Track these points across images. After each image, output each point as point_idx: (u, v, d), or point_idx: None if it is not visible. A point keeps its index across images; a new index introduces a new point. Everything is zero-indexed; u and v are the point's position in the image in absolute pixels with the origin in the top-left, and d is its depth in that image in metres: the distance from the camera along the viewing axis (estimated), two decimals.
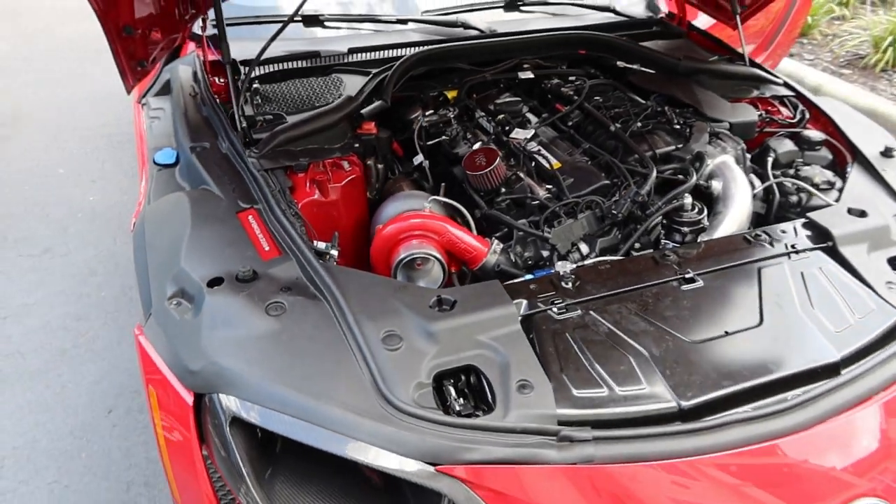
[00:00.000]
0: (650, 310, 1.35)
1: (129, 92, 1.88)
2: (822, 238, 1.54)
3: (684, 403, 1.17)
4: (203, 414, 1.23)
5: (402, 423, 1.10)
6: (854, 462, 1.19)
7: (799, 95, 2.02)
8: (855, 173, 1.76)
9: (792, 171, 1.79)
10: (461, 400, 1.20)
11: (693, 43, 2.38)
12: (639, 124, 1.81)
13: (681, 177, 1.68)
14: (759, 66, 2.14)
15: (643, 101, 1.98)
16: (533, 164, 1.73)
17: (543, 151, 1.75)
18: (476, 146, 1.76)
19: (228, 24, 2.13)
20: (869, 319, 1.37)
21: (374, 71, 1.94)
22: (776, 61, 3.92)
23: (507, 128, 1.88)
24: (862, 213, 1.59)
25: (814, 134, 1.88)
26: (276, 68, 2.01)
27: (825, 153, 1.87)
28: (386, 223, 1.53)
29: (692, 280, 1.41)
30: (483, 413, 1.16)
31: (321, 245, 1.44)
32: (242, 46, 1.97)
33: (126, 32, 1.64)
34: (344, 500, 1.19)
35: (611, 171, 1.69)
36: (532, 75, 2.08)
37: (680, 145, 1.76)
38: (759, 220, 1.80)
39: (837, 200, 1.66)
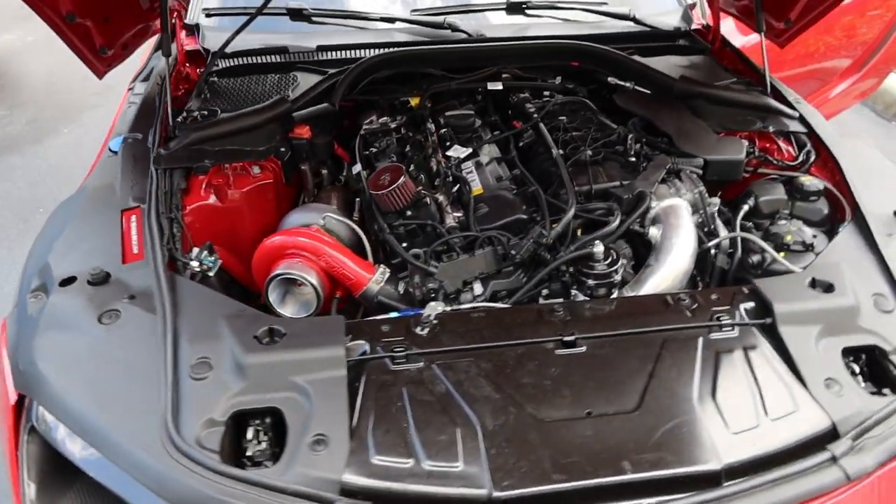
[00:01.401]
0: (506, 373, 1.16)
1: (99, 77, 1.90)
2: (761, 312, 1.27)
3: (496, 494, 1.00)
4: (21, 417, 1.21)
5: (171, 463, 1.01)
6: None
7: (812, 133, 1.69)
8: (845, 235, 1.44)
9: (766, 224, 1.50)
10: (260, 444, 1.09)
11: (715, 61, 2.07)
12: (589, 152, 1.58)
13: (617, 220, 1.44)
14: (779, 93, 1.82)
15: (613, 126, 1.73)
16: (455, 188, 1.56)
17: (473, 174, 1.58)
18: (386, 162, 1.60)
19: (214, 14, 2.13)
20: (784, 423, 1.11)
21: (330, 71, 1.84)
22: (879, 80, 3.41)
23: (447, 143, 1.71)
24: (828, 288, 1.30)
25: (811, 182, 1.56)
26: (245, 61, 1.97)
27: (821, 205, 1.55)
28: (272, 235, 1.44)
29: (572, 344, 1.20)
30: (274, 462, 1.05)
31: (193, 253, 1.38)
32: (243, 39, 1.94)
33: (69, 20, 1.65)
34: None
35: (533, 203, 1.49)
36: (500, 86, 1.89)
37: (625, 182, 1.52)
38: (722, 277, 1.53)
39: (806, 267, 1.37)
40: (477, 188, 1.54)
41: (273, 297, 1.40)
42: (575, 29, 2.11)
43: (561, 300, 1.36)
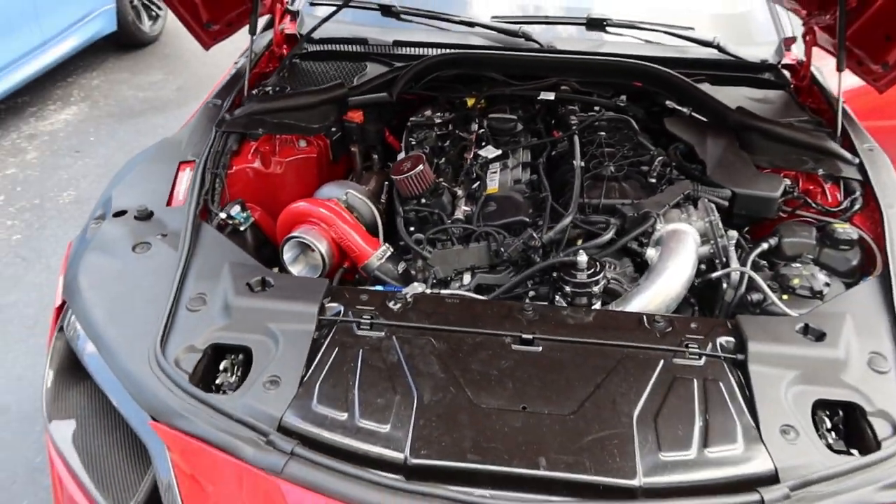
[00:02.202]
0: (458, 357, 1.22)
1: (206, 48, 2.16)
2: (738, 348, 1.24)
3: (412, 460, 1.07)
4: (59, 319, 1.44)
5: (152, 369, 1.18)
6: None
7: (866, 182, 1.58)
8: (864, 288, 1.36)
9: (781, 265, 1.43)
10: (229, 376, 1.24)
11: (793, 97, 1.98)
12: (612, 168, 1.58)
13: (611, 234, 1.44)
14: (848, 138, 1.72)
15: (651, 147, 1.71)
16: (476, 184, 1.63)
17: (495, 174, 1.64)
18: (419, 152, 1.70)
19: (316, 3, 2.33)
20: (721, 458, 1.09)
21: (397, 65, 1.97)
22: None
23: (483, 143, 1.78)
24: (820, 337, 1.24)
25: (844, 230, 1.47)
26: (329, 48, 2.15)
27: (851, 255, 1.46)
28: (298, 201, 1.59)
29: (529, 342, 1.24)
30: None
31: (230, 207, 1.56)
32: (335, 28, 2.15)
33: None
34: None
35: (541, 208, 1.52)
36: (552, 97, 1.92)
37: (636, 200, 1.51)
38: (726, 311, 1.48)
39: (806, 313, 1.30)
40: (493, 187, 1.60)
41: (287, 256, 1.55)
42: (652, 51, 2.10)
43: (535, 302, 1.39)
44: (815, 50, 2.09)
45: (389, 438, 1.09)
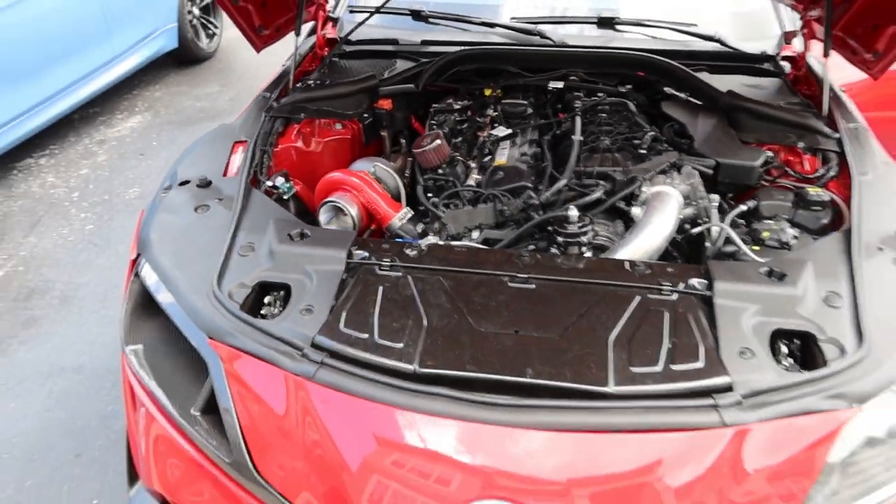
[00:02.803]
0: (463, 292, 1.44)
1: (257, 51, 2.44)
2: (706, 287, 1.42)
3: (420, 370, 1.28)
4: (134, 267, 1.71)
5: (210, 301, 1.43)
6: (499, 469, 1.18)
7: (842, 154, 1.74)
8: (828, 240, 1.52)
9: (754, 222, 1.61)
10: (272, 308, 1.48)
11: (787, 84, 2.15)
12: (607, 141, 1.79)
13: (599, 194, 1.65)
14: (832, 116, 1.88)
15: (646, 126, 1.91)
16: (487, 158, 1.85)
17: (504, 149, 1.86)
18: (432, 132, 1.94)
19: (356, 11, 2.61)
20: (684, 372, 1.27)
21: (423, 61, 2.22)
22: None
23: (495, 124, 2.00)
24: (781, 277, 1.42)
25: (817, 193, 1.64)
26: (364, 48, 2.42)
27: (823, 215, 1.62)
28: (334, 172, 1.84)
29: (525, 281, 1.45)
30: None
31: (275, 177, 1.82)
32: (371, 31, 2.43)
33: (234, 2, 2.19)
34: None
35: (542, 176, 1.74)
36: (561, 85, 2.14)
37: (621, 168, 1.71)
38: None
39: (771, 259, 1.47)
40: (501, 160, 1.82)
41: (323, 218, 1.79)
42: (658, 46, 2.29)
43: (532, 249, 1.60)
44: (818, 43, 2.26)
45: (402, 353, 1.31)
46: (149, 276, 1.60)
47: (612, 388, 1.24)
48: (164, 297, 1.54)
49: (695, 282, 1.44)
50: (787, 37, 2.36)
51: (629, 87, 2.20)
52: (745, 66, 2.25)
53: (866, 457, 1.23)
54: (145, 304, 1.62)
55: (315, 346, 1.33)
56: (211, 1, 5.65)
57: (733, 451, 1.18)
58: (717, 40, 2.27)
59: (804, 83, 2.23)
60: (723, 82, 2.10)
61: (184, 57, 5.47)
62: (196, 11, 5.50)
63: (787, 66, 2.30)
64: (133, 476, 1.73)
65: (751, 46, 2.32)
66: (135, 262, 1.70)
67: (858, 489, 1.21)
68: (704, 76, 2.12)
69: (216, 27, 5.80)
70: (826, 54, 1.99)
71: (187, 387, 1.46)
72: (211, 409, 1.39)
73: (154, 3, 4.95)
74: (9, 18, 3.65)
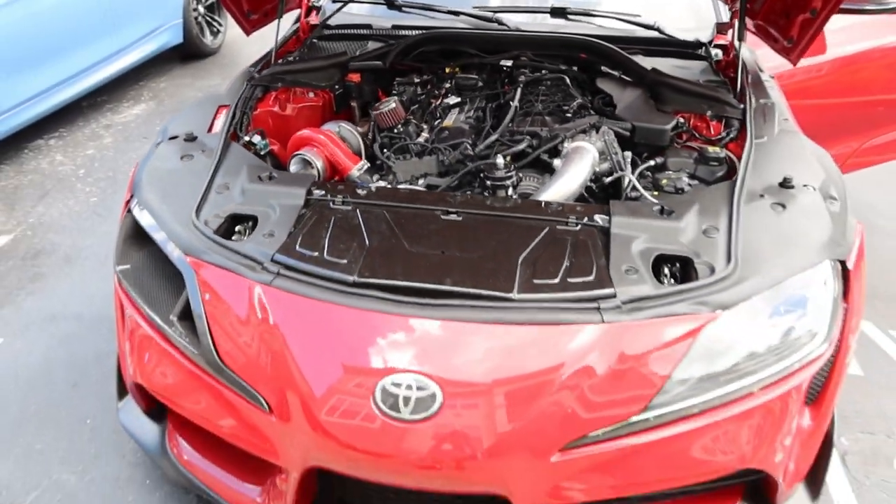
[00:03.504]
0: (401, 222, 1.71)
1: (247, 34, 2.72)
2: (607, 221, 1.67)
3: (358, 279, 1.55)
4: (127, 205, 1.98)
5: (189, 228, 1.70)
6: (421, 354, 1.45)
7: (743, 120, 2.01)
8: (717, 187, 1.79)
9: (652, 173, 1.89)
10: (241, 236, 1.75)
11: (711, 67, 2.42)
12: (540, 107, 2.06)
13: (526, 147, 1.93)
14: (744, 92, 2.15)
15: (577, 96, 2.18)
16: (437, 121, 2.12)
17: (452, 114, 2.13)
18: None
19: (335, 1, 2.89)
20: (576, 283, 1.53)
21: (391, 42, 2.49)
22: None
23: (448, 95, 2.28)
24: (669, 213, 1.68)
25: (714, 151, 1.91)
26: (341, 32, 2.70)
27: (719, 170, 1.88)
28: (303, 130, 2.12)
29: (454, 214, 1.71)
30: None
31: (252, 134, 2.10)
32: (348, 18, 2.72)
33: None
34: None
35: (479, 135, 2.01)
36: (510, 63, 2.41)
37: (547, 128, 1.98)
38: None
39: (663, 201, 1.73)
40: (448, 122, 2.10)
41: (292, 168, 2.07)
42: (603, 33, 2.56)
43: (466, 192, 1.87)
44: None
45: (345, 267, 1.57)
46: (138, 210, 1.87)
47: (515, 294, 1.50)
48: (150, 226, 1.80)
49: (597, 217, 1.70)
50: (720, 27, 2.63)
51: (574, 68, 2.47)
52: (678, 51, 2.51)
53: (721, 350, 1.48)
54: (135, 237, 1.89)
55: (274, 261, 1.60)
56: (216, 0, 5.97)
57: (610, 341, 1.44)
58: (656, 29, 2.54)
59: (732, 67, 2.50)
60: (656, 64, 2.36)
61: (189, 52, 5.77)
62: (201, 9, 5.81)
63: (719, 52, 2.56)
64: (122, 391, 2.00)
65: (689, 35, 2.59)
66: (128, 203, 1.97)
67: (712, 375, 1.47)
68: (639, 59, 2.39)
69: (221, 25, 6.10)
70: (740, 39, 2.26)
71: (167, 299, 1.72)
72: (186, 316, 1.66)
73: (159, 0, 5.26)
74: (21, 10, 3.95)
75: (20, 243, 3.28)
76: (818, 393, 1.67)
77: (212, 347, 1.56)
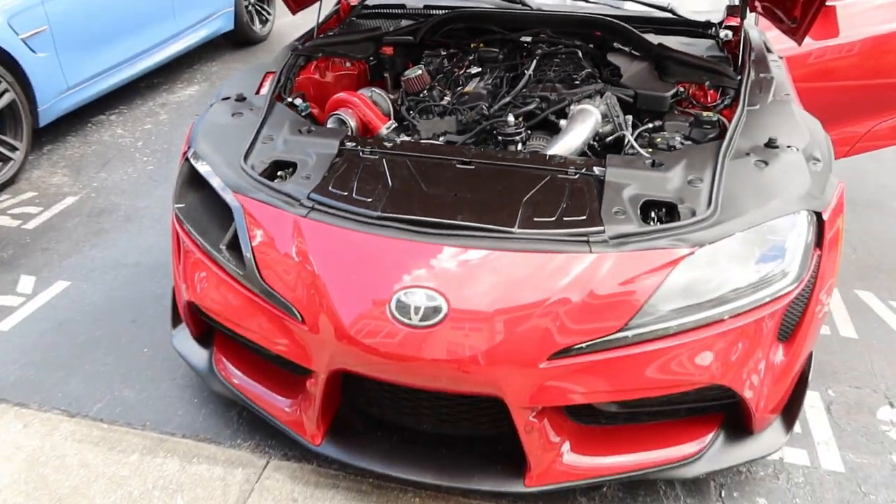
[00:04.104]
0: (421, 170, 1.95)
1: (292, 13, 3.01)
2: (603, 172, 1.88)
3: (381, 213, 1.79)
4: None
5: (238, 171, 1.97)
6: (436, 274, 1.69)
7: (738, 90, 2.19)
8: (706, 145, 1.98)
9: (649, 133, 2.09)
10: (284, 176, 2.00)
11: (717, 44, 2.59)
12: (551, 75, 2.28)
13: (535, 108, 2.15)
14: (745, 66, 2.33)
15: (588, 67, 2.39)
16: (458, 87, 2.36)
17: (473, 82, 2.36)
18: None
19: None
20: (570, 221, 1.74)
21: (422, 20, 2.73)
22: None
23: (472, 66, 2.51)
24: (659, 165, 1.88)
25: (707, 115, 2.10)
26: (377, 11, 2.96)
27: (711, 132, 2.07)
28: (340, 93, 2.38)
29: (468, 163, 1.94)
30: None
31: (295, 96, 2.36)
32: None
33: None
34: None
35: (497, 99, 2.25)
36: (529, 39, 2.62)
37: (556, 93, 2.20)
38: None
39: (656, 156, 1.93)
40: (469, 88, 2.33)
41: (331, 124, 2.33)
42: (619, 13, 2.75)
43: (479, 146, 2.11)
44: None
45: (370, 204, 1.82)
46: (194, 159, 2.15)
47: (516, 229, 1.72)
48: (204, 170, 2.08)
49: (595, 168, 1.91)
50: (731, 10, 2.80)
51: (590, 46, 2.67)
52: (689, 30, 2.69)
53: (696, 281, 1.68)
54: (190, 181, 2.17)
55: (309, 198, 1.86)
56: None
57: (596, 269, 1.66)
58: (669, 10, 2.73)
59: (739, 46, 2.67)
60: (666, 42, 2.55)
61: (239, 39, 6.11)
62: None
63: (729, 33, 2.73)
64: (176, 320, 2.28)
65: (702, 17, 2.77)
66: (185, 153, 2.25)
67: (687, 303, 1.67)
68: (650, 36, 2.58)
69: (269, 14, 6.44)
70: (742, 17, 2.44)
71: (216, 232, 1.99)
72: (233, 246, 1.93)
73: None
74: None
75: (85, 203, 3.63)
76: (791, 332, 1.85)
77: (255, 269, 1.82)
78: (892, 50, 3.27)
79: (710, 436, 1.88)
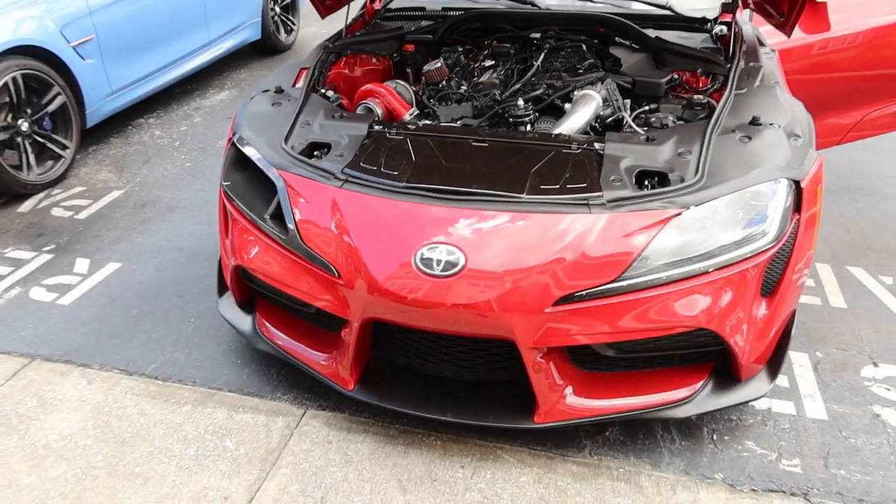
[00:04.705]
0: (441, 147, 2.20)
1: (322, 17, 3.30)
2: (602, 147, 2.12)
3: (406, 184, 2.05)
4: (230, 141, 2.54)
5: (279, 151, 2.24)
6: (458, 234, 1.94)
7: (726, 77, 2.42)
8: (696, 124, 2.21)
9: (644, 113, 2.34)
10: (320, 156, 2.27)
11: (711, 38, 2.83)
12: (558, 65, 2.53)
13: (542, 93, 2.40)
14: (735, 56, 2.56)
15: (591, 59, 2.64)
16: (474, 78, 2.61)
17: (486, 74, 2.62)
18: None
19: None
20: (572, 188, 1.99)
21: (441, 20, 3.00)
22: None
23: (486, 60, 2.77)
24: (652, 140, 2.11)
25: (698, 98, 2.34)
26: (399, 14, 3.23)
27: (700, 112, 2.31)
28: (367, 84, 2.64)
29: (481, 141, 2.19)
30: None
31: (327, 89, 2.63)
32: (406, 2, 3.26)
33: None
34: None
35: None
36: (538, 35, 2.88)
37: (562, 81, 2.45)
38: None
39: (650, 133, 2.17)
40: (483, 79, 2.58)
41: (360, 111, 2.59)
42: (622, 11, 3.00)
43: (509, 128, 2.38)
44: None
45: (396, 177, 2.08)
46: (240, 143, 2.42)
47: (524, 195, 1.97)
48: (249, 151, 2.35)
49: (596, 144, 2.15)
50: (724, 7, 3.03)
51: (596, 41, 2.91)
52: (686, 25, 2.93)
53: (684, 238, 1.91)
54: (235, 163, 2.44)
55: (343, 173, 2.11)
56: (291, 1, 6.64)
57: (594, 227, 1.90)
58: (668, 8, 2.97)
59: (732, 40, 2.90)
60: (664, 36, 2.79)
61: (266, 48, 6.44)
62: (277, 9, 6.49)
63: (724, 28, 2.96)
64: (222, 289, 2.55)
65: (699, 13, 3.01)
66: (230, 139, 2.53)
67: (676, 257, 1.89)
68: (650, 31, 2.82)
69: (294, 24, 6.77)
70: (732, 11, 2.66)
71: (260, 204, 2.26)
72: (275, 216, 2.19)
73: (242, 0, 5.94)
74: (132, 5, 4.64)
75: (130, 196, 3.93)
76: (772, 289, 2.07)
77: (297, 234, 2.08)
78: (889, 44, 3.47)
79: (701, 383, 2.10)
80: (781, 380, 2.44)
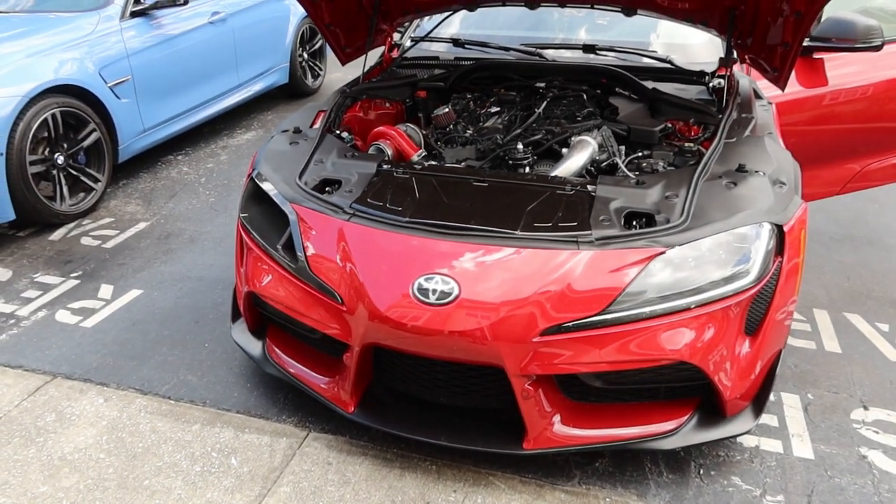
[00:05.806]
0: (444, 187, 2.36)
1: (342, 64, 3.51)
2: (594, 189, 2.25)
3: (408, 219, 2.20)
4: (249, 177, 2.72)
5: (293, 186, 2.41)
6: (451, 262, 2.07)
7: (717, 127, 2.55)
8: (684, 169, 2.33)
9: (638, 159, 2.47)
10: (332, 191, 2.43)
11: (707, 89, 2.97)
12: (557, 112, 2.68)
13: (542, 138, 2.55)
14: (728, 107, 2.70)
15: (590, 108, 2.79)
16: (479, 123, 2.78)
17: (491, 119, 2.78)
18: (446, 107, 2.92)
19: (414, 40, 3.64)
20: (564, 227, 2.12)
21: (452, 69, 3.19)
22: None
23: (492, 107, 2.94)
24: (641, 184, 2.24)
25: (689, 146, 2.48)
26: (415, 62, 3.44)
27: (691, 159, 2.44)
28: (380, 127, 2.82)
29: (482, 182, 2.34)
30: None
31: (342, 130, 2.82)
32: (422, 52, 3.48)
33: (328, 27, 3.25)
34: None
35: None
36: (543, 84, 3.05)
37: (560, 127, 2.60)
38: None
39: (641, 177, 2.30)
40: (488, 124, 2.75)
41: (372, 150, 2.76)
42: (624, 63, 3.17)
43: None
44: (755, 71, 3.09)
45: (401, 213, 2.22)
46: (258, 179, 2.60)
47: (518, 232, 2.10)
48: (266, 186, 2.52)
49: (588, 186, 2.28)
50: (721, 61, 3.18)
51: (598, 91, 3.08)
52: (685, 78, 3.08)
53: (667, 276, 2.02)
54: (253, 197, 2.61)
55: (351, 207, 2.27)
56: (318, 47, 6.96)
57: (582, 263, 2.02)
58: (668, 61, 3.14)
59: (729, 93, 3.04)
60: (664, 88, 2.95)
61: (293, 91, 6.74)
62: (305, 55, 6.81)
63: (721, 81, 3.11)
64: (236, 315, 2.70)
65: (697, 67, 3.17)
66: (250, 174, 2.71)
67: (659, 293, 2.00)
68: (649, 83, 2.98)
69: (321, 69, 7.09)
70: (727, 65, 2.82)
71: (274, 234, 2.41)
72: (287, 246, 2.34)
73: (272, 46, 6.26)
74: (167, 49, 4.94)
75: (155, 228, 4.13)
76: (756, 327, 2.16)
77: (306, 263, 2.22)
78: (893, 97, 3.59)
79: (686, 416, 2.17)
80: (771, 419, 2.50)
